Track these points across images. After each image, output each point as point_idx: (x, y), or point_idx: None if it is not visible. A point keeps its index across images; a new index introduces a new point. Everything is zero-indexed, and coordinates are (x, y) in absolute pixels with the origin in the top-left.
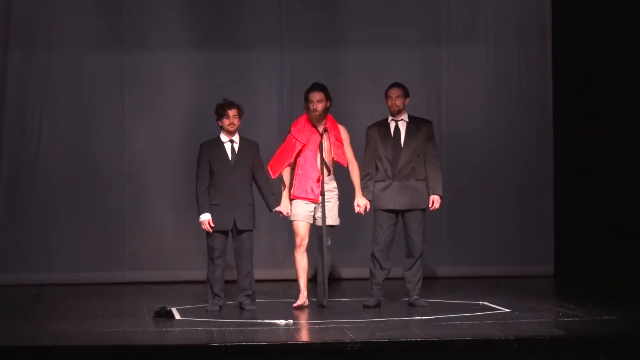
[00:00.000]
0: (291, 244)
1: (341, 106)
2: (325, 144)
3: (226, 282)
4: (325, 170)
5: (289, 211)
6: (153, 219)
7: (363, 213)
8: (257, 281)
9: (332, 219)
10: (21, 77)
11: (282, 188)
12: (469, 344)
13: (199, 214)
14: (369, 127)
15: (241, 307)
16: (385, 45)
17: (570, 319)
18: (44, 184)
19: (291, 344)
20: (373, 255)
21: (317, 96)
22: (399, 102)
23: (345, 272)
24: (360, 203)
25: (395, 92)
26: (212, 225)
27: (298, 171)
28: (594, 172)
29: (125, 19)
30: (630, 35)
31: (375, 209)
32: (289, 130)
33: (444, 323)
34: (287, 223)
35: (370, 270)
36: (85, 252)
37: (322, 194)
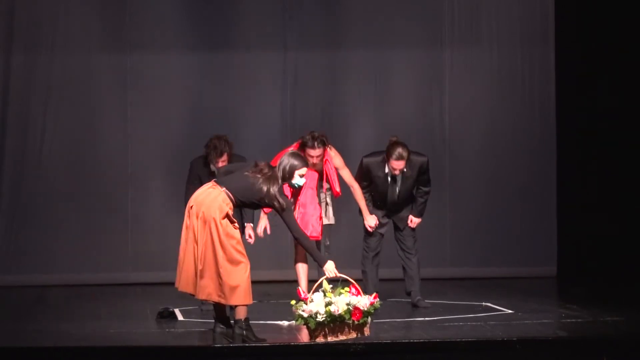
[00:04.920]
0: (293, 245)
1: (343, 107)
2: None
3: None
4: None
5: (261, 233)
6: (156, 220)
7: (375, 229)
8: (261, 282)
9: (328, 218)
10: (24, 79)
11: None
12: (471, 345)
13: None
14: (365, 158)
15: (231, 306)
16: (388, 47)
17: (573, 320)
18: (47, 185)
19: (294, 344)
20: (364, 257)
21: (316, 152)
22: (401, 169)
23: (347, 273)
24: (371, 223)
25: (400, 165)
26: None
27: (299, 209)
28: (597, 173)
29: (129, 20)
30: (633, 36)
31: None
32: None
33: (446, 324)
34: None
35: (363, 272)
36: (88, 254)
37: (319, 197)
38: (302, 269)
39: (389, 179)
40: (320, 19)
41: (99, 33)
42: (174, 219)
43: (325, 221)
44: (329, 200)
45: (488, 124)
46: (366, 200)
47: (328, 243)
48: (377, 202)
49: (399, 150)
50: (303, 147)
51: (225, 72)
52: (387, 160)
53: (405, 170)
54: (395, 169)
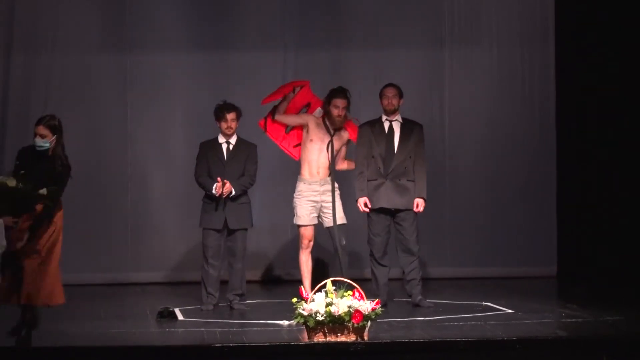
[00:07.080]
0: (295, 244)
1: None
2: (335, 144)
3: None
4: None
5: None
6: (156, 220)
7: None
8: (260, 282)
9: (340, 218)
10: (24, 79)
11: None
12: (471, 344)
13: (209, 192)
14: (361, 125)
15: (230, 306)
16: (388, 47)
17: (573, 320)
18: None
19: (294, 344)
20: (372, 256)
21: (343, 103)
22: (394, 102)
23: (357, 274)
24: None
25: (391, 92)
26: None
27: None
28: (597, 172)
29: (128, 20)
30: (633, 36)
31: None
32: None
33: (446, 324)
34: (291, 223)
35: (372, 272)
36: (88, 254)
37: (333, 193)
38: (306, 267)
39: (387, 130)
40: (320, 19)
41: (99, 33)
42: (173, 219)
43: (338, 221)
44: (338, 200)
45: (488, 124)
46: (365, 179)
47: (344, 242)
48: (379, 167)
49: (389, 83)
50: (329, 98)
51: (225, 72)
52: (380, 96)
53: (401, 122)
54: (387, 96)
